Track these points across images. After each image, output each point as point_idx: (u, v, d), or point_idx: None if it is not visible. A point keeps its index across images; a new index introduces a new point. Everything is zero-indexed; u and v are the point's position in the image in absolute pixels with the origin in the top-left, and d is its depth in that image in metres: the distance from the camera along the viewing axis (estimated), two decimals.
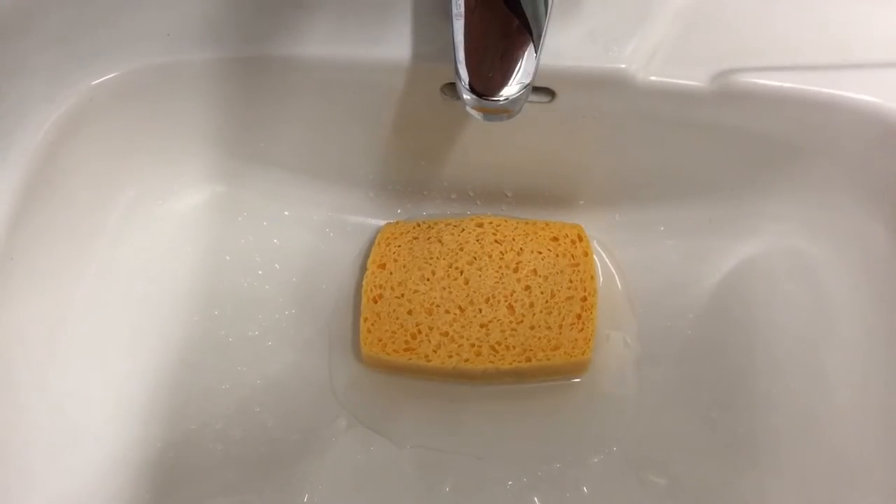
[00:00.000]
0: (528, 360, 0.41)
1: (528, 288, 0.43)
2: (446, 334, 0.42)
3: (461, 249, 0.44)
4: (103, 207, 0.41)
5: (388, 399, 0.43)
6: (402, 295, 0.43)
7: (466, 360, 0.41)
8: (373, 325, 0.42)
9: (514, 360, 0.41)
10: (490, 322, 0.42)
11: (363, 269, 0.44)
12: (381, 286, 0.43)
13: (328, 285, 0.45)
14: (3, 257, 0.34)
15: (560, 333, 0.42)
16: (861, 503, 0.36)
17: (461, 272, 0.43)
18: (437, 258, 0.44)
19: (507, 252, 0.44)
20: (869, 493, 0.36)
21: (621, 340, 0.43)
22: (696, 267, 0.44)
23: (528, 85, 0.32)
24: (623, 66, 0.37)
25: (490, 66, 0.32)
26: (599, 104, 0.39)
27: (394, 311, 0.42)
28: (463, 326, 0.42)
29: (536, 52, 0.33)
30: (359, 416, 0.42)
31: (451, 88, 0.40)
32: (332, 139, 0.44)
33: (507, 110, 0.33)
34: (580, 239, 0.44)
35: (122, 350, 0.40)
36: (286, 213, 0.46)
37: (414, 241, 0.44)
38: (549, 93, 0.39)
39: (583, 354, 0.41)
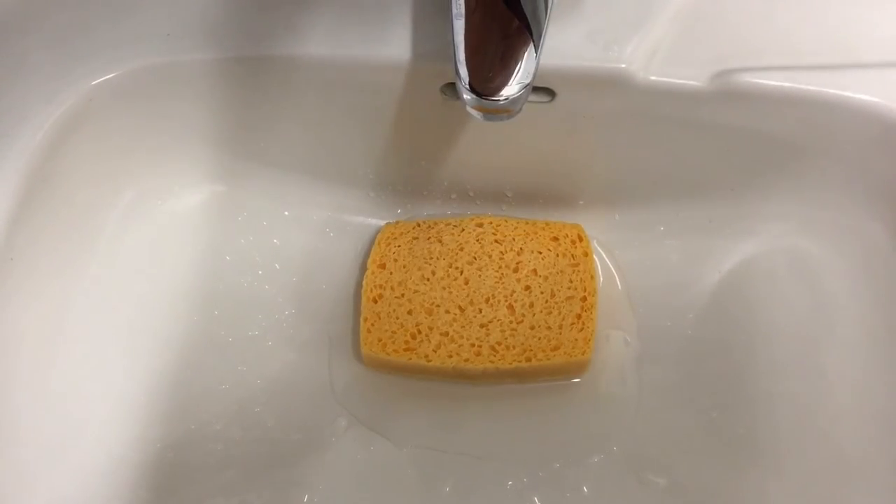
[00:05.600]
0: (528, 360, 0.41)
1: (528, 288, 0.43)
2: (446, 334, 0.42)
3: (461, 249, 0.44)
4: (103, 207, 0.41)
5: (388, 399, 0.43)
6: (402, 295, 0.43)
7: (466, 360, 0.41)
8: (373, 325, 0.42)
9: (514, 360, 0.41)
10: (490, 322, 0.42)
11: (363, 268, 0.44)
12: (381, 286, 0.43)
13: (328, 285, 0.45)
14: (2, 257, 0.34)
15: (560, 333, 0.41)
16: (861, 501, 0.36)
17: (461, 272, 0.43)
18: (437, 258, 0.44)
19: (507, 252, 0.43)
20: (869, 492, 0.36)
21: (621, 340, 0.43)
22: (696, 267, 0.44)
23: (528, 85, 0.32)
24: (623, 65, 0.37)
25: (490, 66, 0.32)
26: (599, 104, 0.39)
27: (394, 311, 0.42)
28: (463, 326, 0.42)
29: (536, 52, 0.32)
30: (358, 415, 0.42)
31: (452, 88, 0.40)
32: (332, 139, 0.44)
33: (508, 110, 0.33)
34: (580, 239, 0.44)
35: (122, 350, 0.40)
36: (286, 213, 0.46)
37: (414, 241, 0.44)
38: (549, 93, 0.39)
39: (583, 354, 0.41)
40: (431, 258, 0.44)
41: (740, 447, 0.40)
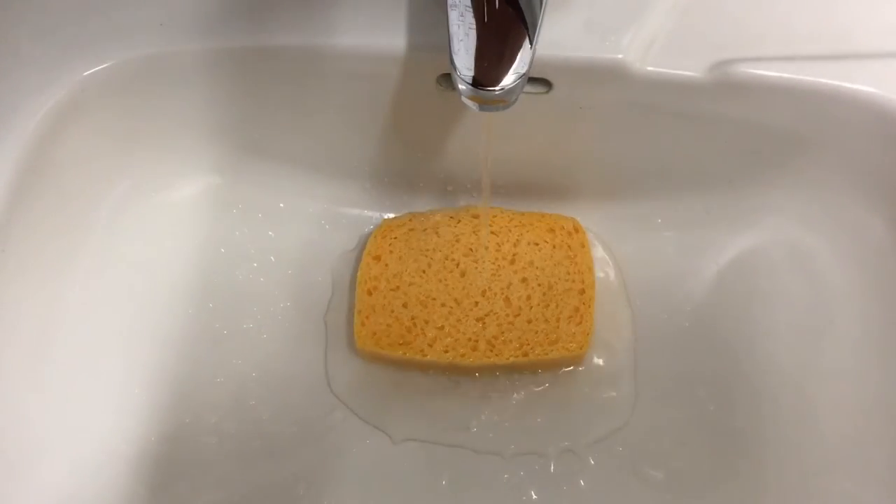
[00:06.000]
0: (525, 354, 0.41)
1: (524, 280, 0.42)
2: (442, 328, 0.41)
3: (457, 241, 0.43)
4: (96, 199, 0.41)
5: (384, 392, 0.42)
6: (397, 287, 0.42)
7: (462, 356, 0.41)
8: (367, 318, 0.42)
9: (511, 355, 0.41)
10: (486, 315, 0.42)
11: (359, 261, 0.44)
12: (375, 278, 0.43)
13: (323, 278, 0.45)
14: None
15: (558, 327, 0.41)
16: (859, 494, 0.36)
17: (457, 264, 0.43)
18: (433, 250, 0.43)
19: (503, 244, 0.43)
20: (867, 484, 0.36)
21: (619, 334, 0.43)
22: (694, 259, 0.44)
23: (523, 75, 0.32)
24: (620, 56, 0.37)
25: (485, 56, 0.32)
26: (596, 95, 0.39)
27: (389, 303, 0.42)
28: (459, 320, 0.42)
29: (532, 42, 0.32)
30: (354, 409, 0.42)
31: (447, 79, 0.39)
32: (328, 130, 0.43)
33: (503, 100, 0.32)
34: (576, 230, 0.44)
35: (116, 343, 0.40)
36: (281, 204, 0.45)
37: (410, 233, 0.44)
38: (545, 84, 0.39)
39: (580, 348, 0.41)
40: (427, 250, 0.43)
41: (738, 440, 0.39)
